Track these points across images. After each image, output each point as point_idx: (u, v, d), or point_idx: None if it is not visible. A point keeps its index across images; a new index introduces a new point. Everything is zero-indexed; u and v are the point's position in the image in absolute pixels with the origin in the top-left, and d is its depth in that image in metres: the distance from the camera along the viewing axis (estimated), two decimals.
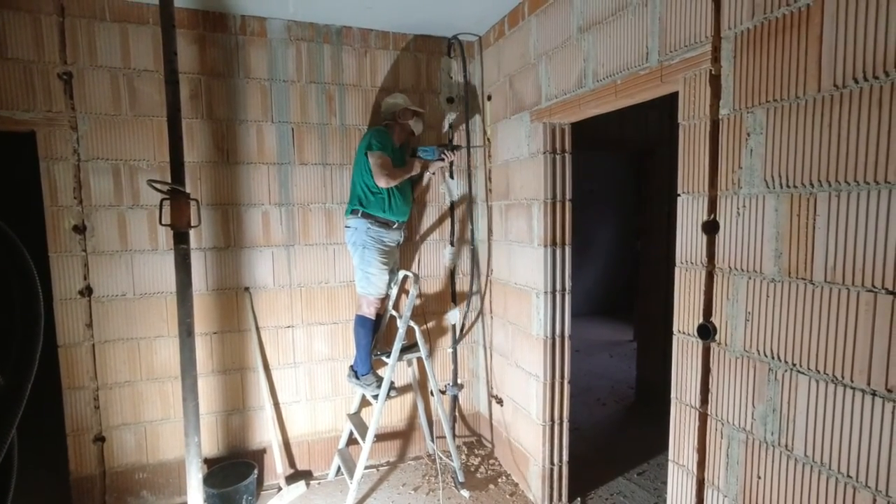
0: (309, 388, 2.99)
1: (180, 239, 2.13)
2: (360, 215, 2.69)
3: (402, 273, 2.91)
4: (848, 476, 1.22)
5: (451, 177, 3.09)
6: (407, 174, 2.75)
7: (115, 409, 2.61)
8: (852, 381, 1.21)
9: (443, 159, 2.87)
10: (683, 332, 1.70)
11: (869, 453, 1.18)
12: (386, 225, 2.73)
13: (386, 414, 3.12)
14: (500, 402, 3.11)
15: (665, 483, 1.87)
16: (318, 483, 2.96)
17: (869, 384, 1.17)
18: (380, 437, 3.10)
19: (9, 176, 4.02)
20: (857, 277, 1.19)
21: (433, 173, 2.97)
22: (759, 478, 1.45)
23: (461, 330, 3.28)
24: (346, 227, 2.77)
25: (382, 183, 2.61)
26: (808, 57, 1.28)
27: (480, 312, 3.31)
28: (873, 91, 1.14)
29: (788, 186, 1.33)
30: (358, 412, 2.99)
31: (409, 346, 2.89)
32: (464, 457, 3.23)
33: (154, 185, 2.13)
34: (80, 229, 2.49)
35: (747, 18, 1.43)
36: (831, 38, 1.22)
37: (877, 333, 1.15)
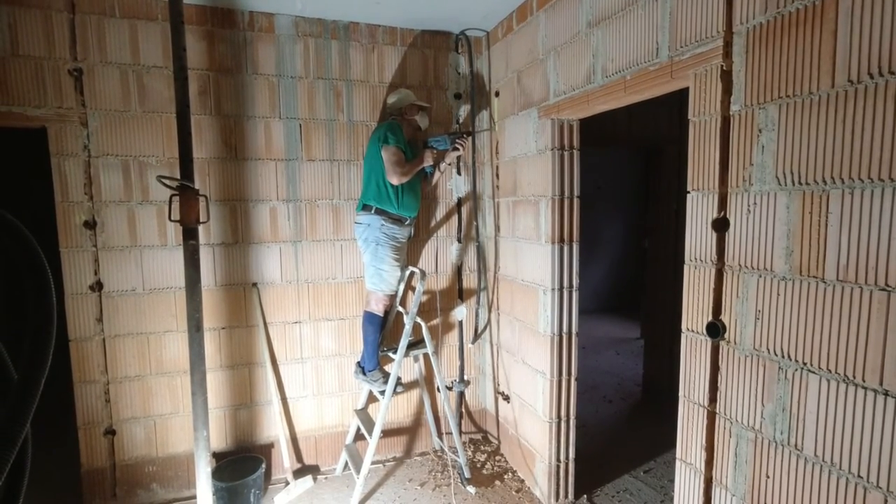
0: (316, 384, 3.01)
1: (189, 235, 2.14)
2: (373, 211, 2.67)
3: (408, 269, 2.91)
4: (858, 476, 1.21)
5: (459, 173, 3.07)
6: (417, 167, 2.71)
7: (124, 403, 2.64)
8: (864, 381, 1.19)
9: (457, 148, 2.79)
10: (692, 331, 1.69)
11: (881, 453, 1.16)
12: (399, 221, 2.73)
13: (392, 410, 3.14)
14: (506, 398, 3.11)
15: (672, 481, 1.87)
16: (325, 478, 2.98)
17: (881, 384, 1.16)
18: (386, 433, 3.11)
19: (21, 172, 4.07)
20: (871, 276, 1.17)
21: (449, 164, 2.91)
22: (768, 477, 1.44)
23: (476, 331, 3.27)
24: (357, 223, 2.76)
25: (395, 180, 2.59)
26: (821, 52, 1.26)
27: (488, 309, 3.30)
28: (889, 87, 1.12)
29: (800, 183, 1.32)
30: (365, 408, 3.00)
31: (416, 343, 2.89)
32: (470, 453, 3.24)
33: (163, 181, 2.14)
34: (90, 225, 2.51)
35: (760, 13, 1.41)
36: (846, 32, 1.20)
37: (890, 333, 1.14)
